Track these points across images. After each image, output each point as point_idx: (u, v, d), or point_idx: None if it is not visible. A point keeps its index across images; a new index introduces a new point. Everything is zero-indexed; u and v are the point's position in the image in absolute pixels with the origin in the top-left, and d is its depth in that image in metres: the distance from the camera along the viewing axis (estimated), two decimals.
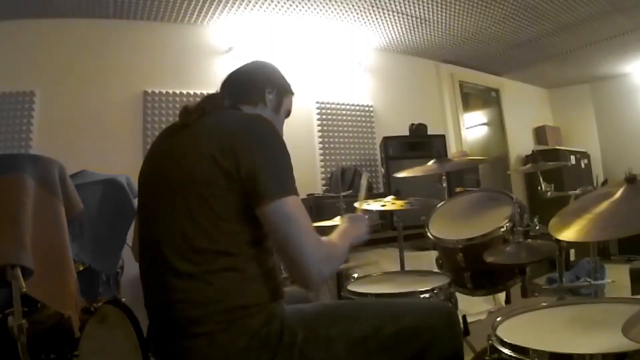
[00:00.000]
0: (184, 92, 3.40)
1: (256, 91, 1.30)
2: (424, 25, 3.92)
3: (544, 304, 1.25)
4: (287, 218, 0.99)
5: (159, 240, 1.04)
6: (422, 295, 1.55)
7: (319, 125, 4.02)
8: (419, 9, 3.58)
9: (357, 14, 3.61)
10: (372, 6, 3.49)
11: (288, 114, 1.42)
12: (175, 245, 1.01)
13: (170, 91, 3.39)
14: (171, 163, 1.07)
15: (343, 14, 3.60)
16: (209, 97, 1.22)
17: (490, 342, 1.03)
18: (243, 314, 0.99)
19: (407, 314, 1.15)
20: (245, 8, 3.36)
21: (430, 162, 2.19)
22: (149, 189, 1.13)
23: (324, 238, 1.12)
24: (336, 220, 1.83)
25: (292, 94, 1.41)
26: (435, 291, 1.57)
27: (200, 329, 0.98)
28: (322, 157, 3.99)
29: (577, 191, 2.21)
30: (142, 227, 1.14)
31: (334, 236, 1.21)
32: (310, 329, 1.04)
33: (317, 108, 4.03)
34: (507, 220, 1.66)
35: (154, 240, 1.06)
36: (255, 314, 1.00)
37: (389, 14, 3.67)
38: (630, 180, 1.09)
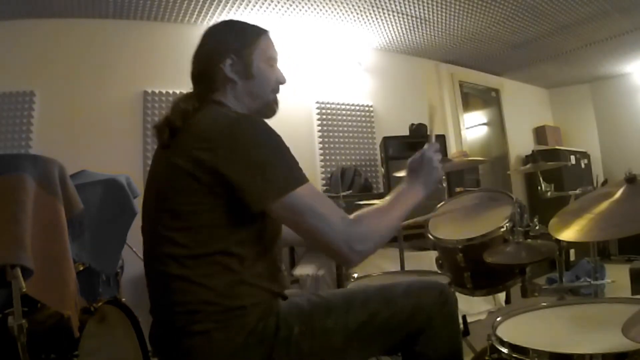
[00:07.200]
0: (184, 92, 3.38)
1: (214, 73, 1.12)
2: (424, 25, 3.92)
3: (544, 304, 1.25)
4: (300, 211, 0.96)
5: (155, 243, 1.04)
6: None
7: (319, 125, 4.02)
8: (419, 9, 3.58)
9: (357, 14, 3.61)
10: (372, 6, 3.49)
11: (272, 60, 1.19)
12: (169, 249, 1.01)
13: (170, 91, 3.39)
14: (160, 170, 1.07)
15: (343, 14, 3.60)
16: (184, 99, 1.12)
17: (490, 342, 1.03)
18: (239, 313, 0.99)
19: (400, 296, 1.13)
20: (245, 8, 3.36)
21: None
22: (147, 192, 1.13)
23: (364, 211, 1.06)
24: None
25: (263, 33, 1.18)
26: None
27: (198, 327, 0.98)
28: (322, 157, 3.99)
29: (577, 191, 2.22)
30: (143, 228, 1.15)
31: (384, 203, 1.11)
32: (305, 322, 1.04)
33: (317, 108, 4.03)
34: (507, 220, 1.66)
35: (152, 243, 1.07)
36: (251, 312, 1.00)
37: (389, 14, 3.67)
38: (630, 180, 1.09)
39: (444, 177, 1.12)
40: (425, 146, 1.20)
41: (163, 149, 1.08)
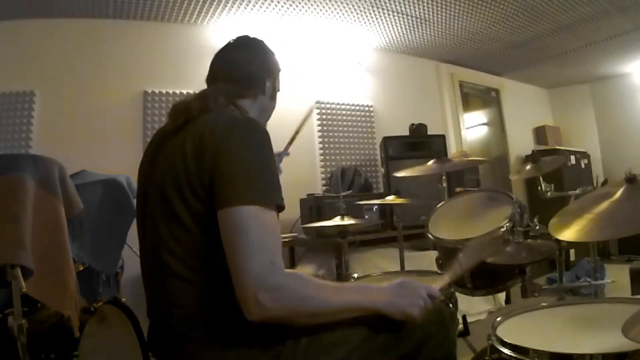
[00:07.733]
0: (184, 92, 3.39)
1: (257, 84, 1.25)
2: (424, 25, 3.92)
3: (544, 304, 1.25)
4: (236, 229, 0.89)
5: (156, 243, 1.03)
6: None
7: (319, 125, 4.02)
8: (419, 9, 3.58)
9: (357, 14, 3.61)
10: (372, 6, 3.49)
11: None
12: (172, 249, 0.99)
13: (170, 91, 3.39)
14: (161, 168, 1.06)
15: (343, 14, 3.60)
16: (200, 97, 1.14)
17: (490, 342, 1.03)
18: (242, 318, 0.98)
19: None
20: (245, 8, 3.36)
21: (430, 162, 2.19)
22: (144, 192, 1.12)
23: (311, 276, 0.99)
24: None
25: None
26: None
27: (199, 332, 0.97)
28: (322, 157, 3.99)
29: (577, 191, 2.22)
30: (139, 229, 1.13)
31: (343, 284, 1.07)
32: (313, 332, 1.02)
33: (317, 108, 4.03)
34: (507, 220, 1.66)
35: (152, 243, 1.05)
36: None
37: (389, 14, 3.67)
38: (630, 180, 1.09)
39: (415, 315, 1.02)
40: (434, 290, 1.12)
41: (168, 135, 1.08)
